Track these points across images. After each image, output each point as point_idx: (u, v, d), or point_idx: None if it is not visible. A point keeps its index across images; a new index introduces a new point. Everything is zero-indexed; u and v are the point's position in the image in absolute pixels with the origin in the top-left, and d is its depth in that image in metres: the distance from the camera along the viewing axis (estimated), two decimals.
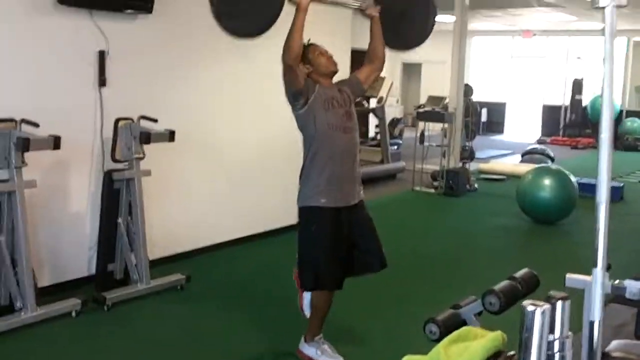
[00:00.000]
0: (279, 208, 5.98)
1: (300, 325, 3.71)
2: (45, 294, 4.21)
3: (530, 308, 1.40)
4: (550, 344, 1.45)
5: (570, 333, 1.49)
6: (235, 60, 5.55)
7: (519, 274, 2.88)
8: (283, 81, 3.42)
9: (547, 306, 1.41)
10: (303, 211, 3.52)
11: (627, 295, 2.51)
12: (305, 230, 3.53)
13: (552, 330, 1.46)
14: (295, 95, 3.43)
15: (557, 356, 1.45)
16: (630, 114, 15.71)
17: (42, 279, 4.32)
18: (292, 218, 6.09)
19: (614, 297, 2.54)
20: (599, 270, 1.66)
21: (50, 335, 3.93)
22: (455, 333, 1.72)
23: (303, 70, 3.46)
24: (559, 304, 1.47)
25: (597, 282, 1.64)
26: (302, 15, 3.31)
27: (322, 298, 3.57)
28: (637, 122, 15.25)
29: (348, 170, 3.53)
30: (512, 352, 1.61)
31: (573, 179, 7.23)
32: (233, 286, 4.93)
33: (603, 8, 1.51)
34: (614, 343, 2.72)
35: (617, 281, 2.43)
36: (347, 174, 3.52)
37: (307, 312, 3.67)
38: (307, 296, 3.64)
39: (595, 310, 1.67)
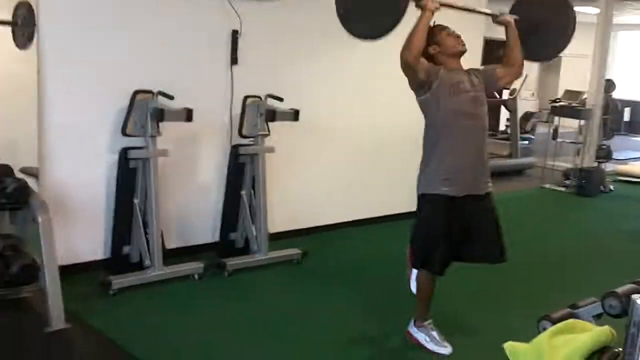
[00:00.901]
0: (397, 194, 5.96)
1: (410, 309, 3.71)
2: (171, 256, 4.46)
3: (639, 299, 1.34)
4: None
5: None
6: (360, 45, 5.56)
7: None
8: (403, 72, 3.39)
9: None
10: (422, 197, 3.49)
11: None
12: (422, 215, 3.51)
13: None
14: (418, 85, 3.40)
15: None
16: None
17: (169, 241, 4.59)
18: (410, 205, 6.09)
19: None
20: None
21: (173, 293, 4.18)
22: (561, 324, 1.68)
23: (430, 51, 3.42)
24: None
25: None
26: (427, 18, 3.28)
27: (425, 279, 3.57)
28: None
29: (472, 159, 3.44)
30: (619, 349, 1.55)
31: None
32: (347, 265, 5.01)
33: None
34: None
35: None
36: (471, 163, 3.43)
37: (414, 288, 3.70)
38: (414, 272, 3.68)
39: None
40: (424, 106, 3.46)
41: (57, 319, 3.53)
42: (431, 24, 3.38)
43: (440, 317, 3.70)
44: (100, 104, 4.25)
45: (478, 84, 3.48)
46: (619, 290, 2.53)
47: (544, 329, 2.08)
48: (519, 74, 3.71)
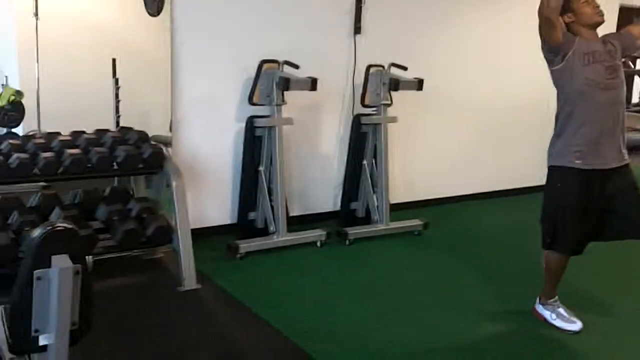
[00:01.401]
0: (523, 167, 5.86)
1: (535, 283, 3.63)
2: (294, 223, 4.58)
3: None
4: None
5: None
6: (487, 14, 5.47)
7: None
8: (540, 36, 3.24)
9: None
10: (553, 170, 3.36)
11: None
12: (552, 189, 3.38)
13: None
14: (553, 50, 3.23)
15: None
16: None
17: (292, 209, 4.71)
18: (537, 179, 5.93)
19: None
20: None
21: (296, 259, 4.30)
22: None
23: (564, 20, 3.25)
24: None
25: None
26: None
27: (554, 259, 3.44)
28: None
29: (608, 131, 3.26)
30: None
31: None
32: (469, 238, 4.95)
33: None
34: None
35: None
36: (606, 134, 3.26)
37: None
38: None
39: None
40: (557, 76, 3.30)
41: (189, 279, 3.72)
42: None
43: (573, 293, 3.59)
44: (228, 75, 4.40)
45: (614, 53, 3.28)
46: None
47: None
48: None
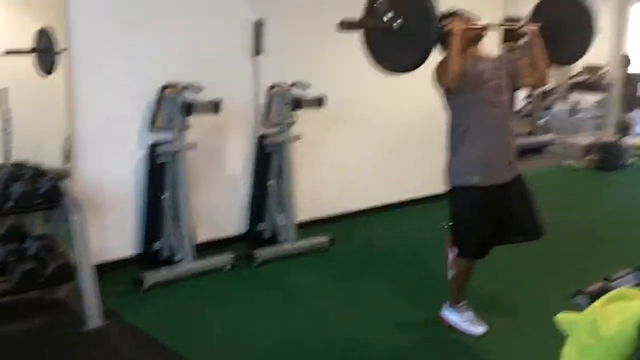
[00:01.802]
0: (423, 177, 6.01)
1: (442, 291, 3.74)
2: (201, 249, 4.48)
3: None
4: None
5: None
6: None
7: None
8: (433, 80, 3.38)
9: None
10: (454, 191, 3.49)
11: None
12: (455, 204, 3.51)
13: None
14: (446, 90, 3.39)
15: None
16: None
17: (198, 235, 4.61)
18: (436, 187, 6.09)
19: None
20: None
21: (205, 286, 4.21)
22: (610, 294, 1.69)
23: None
24: None
25: None
26: (457, 41, 3.22)
27: (464, 265, 3.59)
28: None
29: (501, 146, 3.43)
30: None
31: None
32: (376, 251, 5.02)
33: None
34: None
35: None
36: (500, 149, 3.43)
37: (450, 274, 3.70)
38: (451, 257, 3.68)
39: None
40: (448, 97, 3.43)
41: (94, 317, 3.56)
42: (449, 10, 3.36)
43: (474, 297, 3.72)
44: (128, 101, 4.26)
45: (501, 71, 3.43)
46: None
47: (579, 304, 2.08)
48: (543, 81, 3.58)
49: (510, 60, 3.55)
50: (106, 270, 4.06)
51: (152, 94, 4.22)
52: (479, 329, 3.59)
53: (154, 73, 4.28)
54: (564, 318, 1.70)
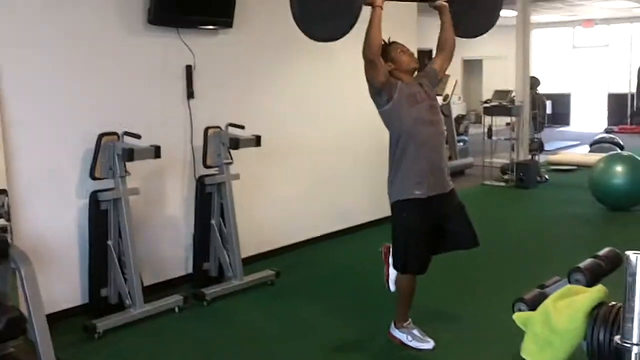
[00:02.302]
0: (361, 204, 6.27)
1: (389, 311, 3.91)
2: (148, 293, 4.50)
3: (633, 257, 1.57)
4: None
5: None
6: (314, 63, 5.81)
7: (602, 252, 3.02)
8: (366, 78, 3.58)
9: None
10: (397, 203, 3.70)
11: None
12: (399, 220, 3.72)
13: None
14: (378, 91, 3.59)
15: None
16: None
17: (144, 278, 4.62)
18: (375, 213, 6.35)
19: None
20: None
21: (157, 329, 4.23)
22: (559, 291, 1.90)
23: (385, 67, 3.63)
24: None
25: None
26: (378, 11, 3.50)
27: (406, 281, 3.78)
28: None
29: (437, 161, 3.69)
30: (613, 303, 1.78)
31: None
32: (321, 279, 5.17)
33: None
34: None
35: None
36: (436, 164, 3.68)
37: (392, 287, 3.90)
38: (392, 272, 3.86)
39: None
40: (386, 118, 3.67)
41: None
42: (386, 40, 3.63)
43: (417, 311, 3.90)
44: (66, 151, 4.28)
45: (430, 92, 3.72)
46: (582, 265, 2.79)
47: (520, 310, 2.30)
48: (451, 56, 3.89)
49: (426, 71, 3.85)
50: (56, 321, 4.03)
51: (89, 143, 4.26)
52: (427, 344, 3.76)
53: (91, 122, 4.33)
54: (519, 316, 1.89)
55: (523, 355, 1.89)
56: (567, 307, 1.78)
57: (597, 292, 1.80)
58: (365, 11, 3.44)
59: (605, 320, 1.73)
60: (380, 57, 3.56)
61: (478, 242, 3.80)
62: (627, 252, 1.57)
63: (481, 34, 4.23)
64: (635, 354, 1.54)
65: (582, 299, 1.78)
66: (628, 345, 1.55)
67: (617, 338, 1.59)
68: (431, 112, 3.67)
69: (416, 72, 3.79)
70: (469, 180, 9.53)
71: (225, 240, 4.87)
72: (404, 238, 3.70)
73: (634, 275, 1.55)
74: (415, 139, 3.60)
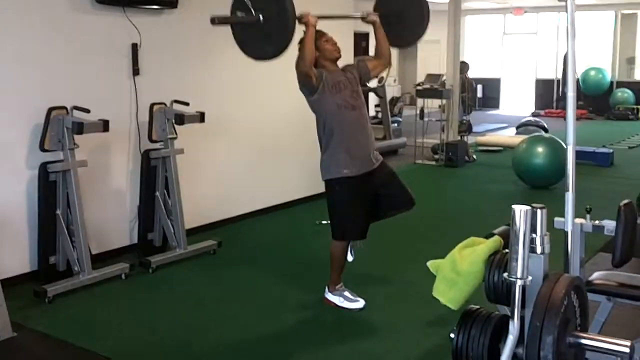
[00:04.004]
0: (296, 181, 6.60)
1: (324, 276, 4.28)
2: (95, 261, 4.70)
3: (517, 208, 1.94)
4: (532, 240, 1.99)
5: (547, 233, 2.04)
6: None
7: None
8: (298, 81, 3.95)
9: (529, 207, 1.96)
10: (329, 182, 4.07)
11: (606, 232, 3.09)
12: (333, 194, 4.08)
13: (534, 230, 2.00)
14: (309, 90, 3.98)
15: (538, 248, 1.99)
16: (621, 84, 16.22)
17: (91, 247, 4.84)
18: (309, 189, 6.69)
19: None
20: (570, 193, 2.20)
21: (105, 294, 4.47)
22: (464, 242, 2.27)
23: (315, 72, 3.95)
24: (539, 211, 2.02)
25: (569, 199, 2.18)
26: (311, 29, 3.87)
27: (339, 248, 4.15)
28: (627, 93, 15.77)
29: (362, 141, 4.07)
30: (506, 251, 2.16)
31: (565, 146, 7.69)
32: (260, 249, 5.49)
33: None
34: (596, 274, 3.29)
35: (596, 221, 3.01)
36: (362, 144, 4.06)
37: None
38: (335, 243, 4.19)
39: (568, 221, 2.22)
40: (314, 105, 4.06)
41: (4, 329, 3.74)
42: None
43: (350, 276, 4.30)
44: (15, 125, 4.45)
45: (353, 80, 4.12)
46: (495, 230, 3.20)
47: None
48: (388, 63, 4.37)
49: (358, 65, 4.27)
50: (5, 287, 4.19)
51: (38, 117, 4.43)
52: (358, 304, 4.15)
53: (40, 96, 4.50)
54: (432, 263, 2.26)
55: (434, 294, 2.26)
56: (470, 254, 2.15)
57: (493, 242, 2.17)
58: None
59: (499, 264, 2.12)
60: (313, 68, 3.90)
61: (414, 201, 4.20)
62: (513, 205, 1.94)
63: (409, 46, 4.66)
64: (519, 286, 1.92)
65: (482, 247, 2.15)
66: (513, 279, 1.93)
67: (505, 275, 1.96)
68: (353, 97, 4.05)
69: (351, 58, 4.15)
70: (402, 159, 9.96)
71: (170, 212, 5.11)
72: (339, 209, 4.07)
73: (515, 224, 1.92)
74: (340, 122, 3.98)
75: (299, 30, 3.79)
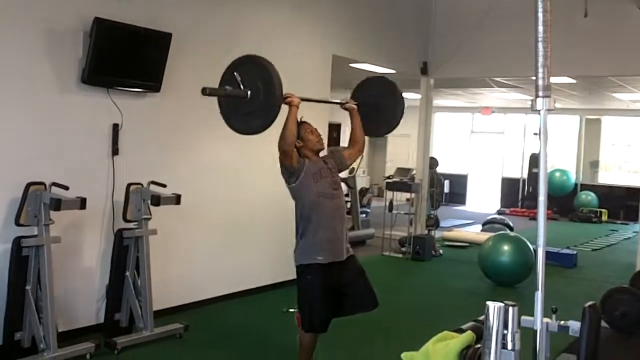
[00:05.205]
0: (265, 267, 6.64)
1: None
2: (60, 339, 4.62)
3: (491, 305, 2.03)
4: (504, 336, 2.07)
5: (518, 330, 2.12)
6: (232, 133, 6.20)
7: (482, 317, 3.51)
8: (279, 161, 4.09)
9: (502, 304, 2.04)
10: (301, 268, 4.14)
11: (570, 333, 3.18)
12: (303, 282, 4.15)
13: (505, 326, 2.08)
14: (290, 173, 4.10)
15: (509, 345, 2.07)
16: (585, 187, 16.71)
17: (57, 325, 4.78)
18: (278, 276, 6.72)
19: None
20: (539, 292, 2.30)
21: None
22: (437, 335, 2.34)
23: (296, 145, 4.12)
24: (511, 309, 2.11)
25: (538, 298, 2.27)
26: (294, 110, 4.06)
27: (308, 338, 4.18)
28: (591, 195, 16.23)
29: (338, 231, 4.18)
30: (478, 346, 2.23)
31: (530, 246, 7.83)
32: (226, 335, 5.45)
33: (539, 111, 2.22)
34: None
35: (562, 322, 3.11)
36: (337, 233, 4.17)
37: None
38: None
39: (537, 319, 2.30)
40: (294, 192, 4.18)
41: None
42: (298, 119, 4.11)
43: None
44: None
45: (333, 168, 4.26)
46: (463, 326, 3.27)
47: None
48: (362, 151, 4.57)
49: (334, 155, 4.44)
50: None
51: (15, 191, 4.46)
52: None
53: (18, 172, 4.55)
54: (406, 355, 2.32)
55: None
56: (443, 348, 2.22)
57: (466, 336, 2.25)
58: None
59: (471, 359, 2.19)
60: (293, 147, 4.06)
61: (377, 302, 4.25)
62: (487, 302, 2.03)
63: (382, 135, 4.91)
64: None
65: (455, 342, 2.23)
66: None
67: None
68: (333, 187, 4.20)
69: (325, 150, 4.31)
70: (369, 250, 10.06)
71: (139, 292, 5.09)
72: (308, 300, 4.12)
73: (489, 320, 2.01)
74: (319, 210, 4.09)
75: (283, 110, 3.95)
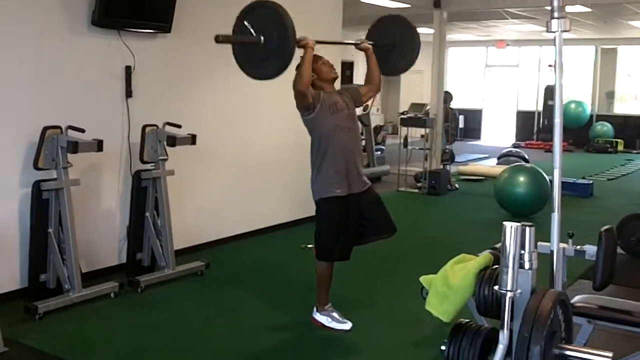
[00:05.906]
0: (284, 204, 6.70)
1: (310, 298, 4.36)
2: (84, 280, 4.73)
3: (508, 225, 2.05)
4: (521, 256, 2.10)
5: (536, 249, 2.15)
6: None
7: (498, 245, 3.56)
8: (295, 99, 4.07)
9: (519, 224, 2.07)
10: (320, 201, 4.17)
11: (587, 257, 3.21)
12: (322, 215, 4.18)
13: (522, 247, 2.11)
14: (305, 107, 4.09)
15: (526, 264, 2.10)
16: (600, 118, 16.55)
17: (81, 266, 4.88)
18: (295, 214, 6.79)
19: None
20: (555, 214, 2.32)
21: (95, 312, 4.51)
22: (455, 258, 2.38)
23: (311, 91, 4.08)
24: (528, 229, 2.13)
25: (554, 220, 2.30)
26: (310, 52, 4.01)
27: (325, 268, 4.24)
28: (607, 126, 16.09)
29: (354, 163, 4.19)
30: (496, 266, 2.27)
31: (546, 176, 7.86)
32: (247, 271, 5.55)
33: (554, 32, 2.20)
34: (577, 297, 3.40)
35: (578, 246, 3.13)
36: (353, 166, 4.18)
37: None
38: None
39: (554, 239, 2.33)
40: (310, 124, 4.16)
41: None
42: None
43: (337, 299, 4.37)
44: (9, 143, 4.51)
45: (349, 102, 4.24)
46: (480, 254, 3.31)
47: (427, 294, 2.77)
48: (378, 90, 4.55)
49: (350, 89, 4.45)
50: None
51: (33, 136, 4.50)
52: (345, 325, 4.22)
53: (35, 116, 4.58)
54: (425, 278, 2.36)
55: (427, 307, 2.36)
56: (461, 269, 2.26)
57: (483, 258, 2.28)
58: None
59: (489, 279, 2.22)
60: (309, 87, 4.03)
61: (395, 228, 4.31)
62: (504, 222, 2.05)
63: (401, 73, 4.86)
64: (509, 298, 2.02)
65: (473, 263, 2.26)
66: (504, 291, 2.03)
67: (496, 287, 2.06)
68: (349, 120, 4.19)
69: (339, 84, 4.28)
70: (385, 187, 10.07)
71: (159, 232, 5.17)
72: (327, 230, 4.15)
73: (506, 240, 2.03)
74: (335, 143, 4.09)
75: (296, 55, 3.91)
